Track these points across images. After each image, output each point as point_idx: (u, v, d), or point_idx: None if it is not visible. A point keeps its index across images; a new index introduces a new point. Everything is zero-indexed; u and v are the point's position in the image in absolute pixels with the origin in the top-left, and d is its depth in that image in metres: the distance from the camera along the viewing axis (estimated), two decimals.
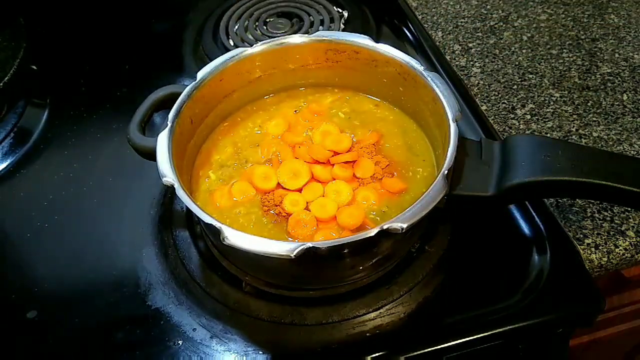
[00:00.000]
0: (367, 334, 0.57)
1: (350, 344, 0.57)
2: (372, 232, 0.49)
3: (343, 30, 0.92)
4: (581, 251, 0.62)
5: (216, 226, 0.50)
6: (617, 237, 0.63)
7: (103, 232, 0.68)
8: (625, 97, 0.78)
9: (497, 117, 0.77)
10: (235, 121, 0.70)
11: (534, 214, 0.65)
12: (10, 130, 0.81)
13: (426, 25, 0.93)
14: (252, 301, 0.60)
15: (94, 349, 0.59)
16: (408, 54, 0.64)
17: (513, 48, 0.87)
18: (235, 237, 0.49)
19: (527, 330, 0.58)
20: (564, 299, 0.59)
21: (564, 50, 0.86)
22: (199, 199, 0.62)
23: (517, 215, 0.66)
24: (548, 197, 0.66)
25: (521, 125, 0.75)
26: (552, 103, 0.78)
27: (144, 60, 0.92)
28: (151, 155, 0.57)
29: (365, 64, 0.67)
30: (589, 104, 0.77)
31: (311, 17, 0.94)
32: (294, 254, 0.48)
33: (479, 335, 0.57)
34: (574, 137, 0.73)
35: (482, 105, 0.78)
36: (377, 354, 0.56)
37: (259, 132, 0.69)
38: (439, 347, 0.56)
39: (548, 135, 0.74)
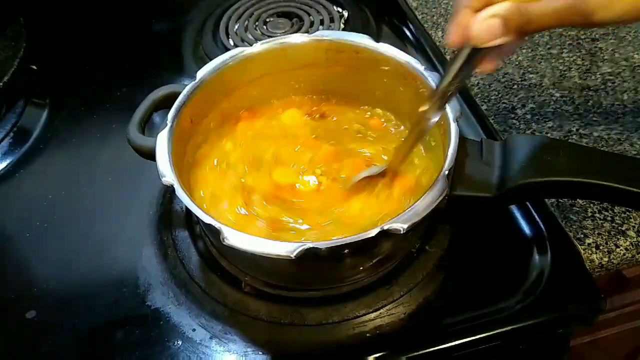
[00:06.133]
0: (367, 335, 0.57)
1: (350, 344, 0.57)
2: (372, 233, 0.49)
3: (343, 30, 0.92)
4: (582, 251, 0.62)
5: (216, 226, 0.50)
6: (618, 236, 0.63)
7: (102, 232, 0.68)
8: (625, 97, 0.78)
9: (497, 116, 0.77)
10: None
11: (534, 214, 0.65)
12: (10, 130, 0.81)
13: (426, 25, 0.92)
14: (252, 301, 0.60)
15: (93, 349, 0.59)
16: (408, 54, 0.64)
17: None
18: (234, 238, 0.49)
19: (528, 331, 0.58)
20: (564, 299, 0.59)
21: (564, 49, 0.86)
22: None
23: (518, 215, 0.66)
24: (549, 198, 0.66)
25: (521, 125, 0.75)
26: (552, 103, 0.78)
27: (144, 60, 0.92)
28: (151, 155, 0.57)
29: (366, 63, 0.67)
30: (589, 104, 0.77)
31: (311, 17, 0.93)
32: (294, 254, 0.48)
33: (479, 336, 0.57)
34: (574, 137, 0.73)
35: (482, 105, 0.78)
36: (377, 355, 0.56)
37: None
38: (439, 347, 0.56)
39: (548, 135, 0.74)
